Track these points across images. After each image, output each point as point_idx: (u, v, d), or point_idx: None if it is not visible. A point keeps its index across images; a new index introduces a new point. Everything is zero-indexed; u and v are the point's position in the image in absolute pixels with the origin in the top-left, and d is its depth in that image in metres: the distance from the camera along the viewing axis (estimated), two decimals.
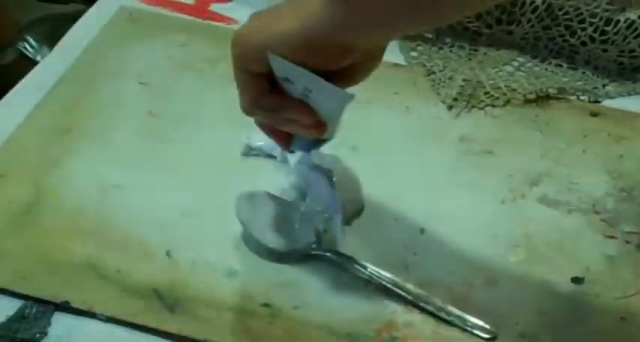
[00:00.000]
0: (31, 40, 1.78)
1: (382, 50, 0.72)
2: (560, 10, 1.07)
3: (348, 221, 0.90)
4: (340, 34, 0.64)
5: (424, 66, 1.10)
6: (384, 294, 0.84)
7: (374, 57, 0.72)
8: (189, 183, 0.95)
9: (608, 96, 1.07)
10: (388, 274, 0.84)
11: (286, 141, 0.79)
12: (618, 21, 1.05)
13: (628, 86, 1.08)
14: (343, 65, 0.68)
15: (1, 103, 1.05)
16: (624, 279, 0.86)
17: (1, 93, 1.07)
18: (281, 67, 0.68)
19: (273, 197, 0.90)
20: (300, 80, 0.69)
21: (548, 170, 0.97)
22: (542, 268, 0.87)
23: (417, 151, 0.98)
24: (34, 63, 1.15)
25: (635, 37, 1.06)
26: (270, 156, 0.97)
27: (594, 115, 1.04)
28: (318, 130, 0.74)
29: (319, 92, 0.69)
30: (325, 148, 0.90)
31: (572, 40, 1.09)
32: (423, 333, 0.81)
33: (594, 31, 1.07)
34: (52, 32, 1.78)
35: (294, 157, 0.93)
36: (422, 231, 0.90)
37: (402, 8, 0.61)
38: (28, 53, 1.75)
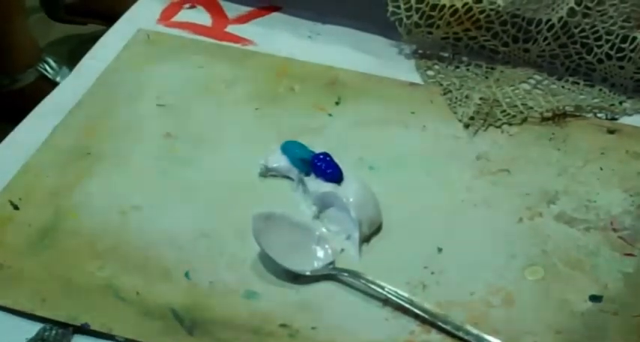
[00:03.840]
0: (51, 62, 1.79)
1: None
2: (576, 27, 1.07)
3: (365, 241, 0.90)
4: None
5: (441, 85, 1.10)
6: (401, 314, 0.84)
7: None
8: (208, 204, 0.95)
9: (626, 113, 1.06)
10: (406, 294, 0.84)
11: None
12: (635, 38, 1.05)
13: None
14: None
15: (20, 126, 1.06)
16: None
17: (22, 114, 1.08)
18: None
19: (290, 218, 0.90)
20: None
21: (566, 188, 0.96)
22: (560, 286, 0.86)
23: (434, 170, 0.98)
24: (54, 84, 1.16)
25: None
26: (287, 177, 0.97)
27: (611, 132, 1.03)
28: None
29: None
30: (343, 168, 0.90)
31: (589, 58, 1.09)
32: None
33: (611, 49, 1.07)
34: (72, 53, 1.81)
35: (310, 178, 0.93)
36: (439, 250, 0.90)
37: None
38: (47, 74, 1.77)
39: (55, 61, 1.81)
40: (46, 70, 1.80)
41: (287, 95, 1.09)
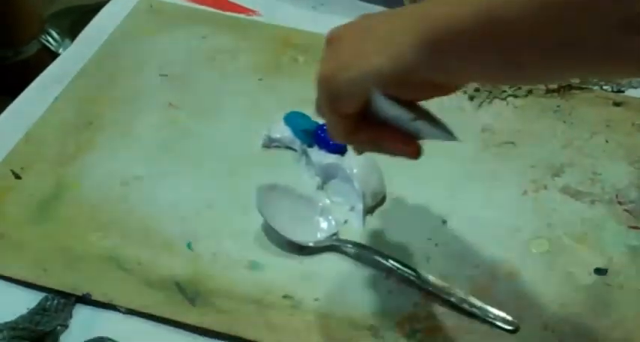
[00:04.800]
0: (54, 33, 1.78)
1: None
2: None
3: (369, 212, 0.90)
4: (434, 77, 0.60)
5: None
6: (405, 286, 0.83)
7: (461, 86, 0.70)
8: (210, 175, 0.95)
9: (631, 85, 1.05)
10: (410, 266, 0.83)
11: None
12: None
13: None
14: (435, 97, 0.66)
15: (22, 97, 1.06)
16: None
17: (25, 86, 1.07)
18: (383, 107, 0.65)
19: (294, 189, 0.90)
20: (400, 116, 0.66)
21: (571, 160, 0.96)
22: (565, 259, 0.86)
23: (438, 141, 0.97)
24: (57, 56, 1.15)
25: None
26: (290, 148, 0.96)
27: (617, 104, 1.03)
28: (417, 154, 0.70)
29: (420, 130, 0.67)
30: None
31: None
32: (445, 325, 0.80)
33: None
34: (74, 25, 1.79)
35: (314, 149, 0.93)
36: (444, 222, 0.89)
37: (498, 64, 0.56)
38: (50, 46, 1.76)
39: (57, 33, 1.81)
40: (48, 42, 1.79)
41: (291, 66, 1.08)
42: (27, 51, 1.76)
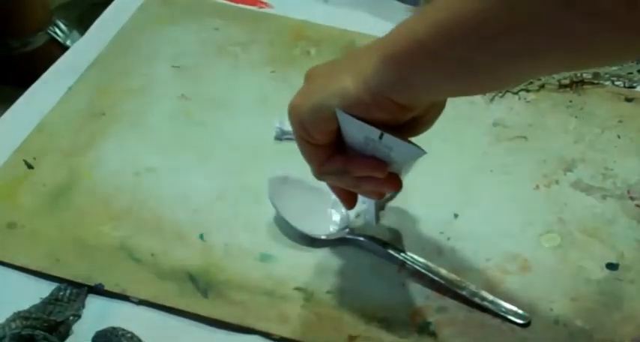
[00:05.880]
0: (61, 25, 1.77)
1: (445, 101, 0.71)
2: None
3: (381, 206, 0.90)
4: (398, 96, 0.62)
5: None
6: (417, 279, 0.83)
7: (438, 107, 0.71)
8: (223, 166, 0.95)
9: None
10: (422, 259, 0.84)
11: (350, 201, 0.79)
12: None
13: None
14: (405, 119, 0.66)
15: (34, 87, 1.06)
16: None
17: (32, 77, 1.07)
18: (347, 124, 0.66)
19: (306, 181, 0.89)
20: (368, 135, 0.67)
21: (583, 156, 0.96)
22: (577, 253, 0.86)
23: (450, 135, 0.98)
24: (65, 47, 1.15)
25: None
26: None
27: (629, 100, 1.03)
28: (393, 185, 0.72)
29: (389, 148, 0.68)
30: None
31: None
32: (457, 318, 0.80)
33: None
34: (82, 16, 1.79)
35: None
36: (455, 216, 0.89)
37: (454, 73, 0.58)
38: (58, 38, 1.76)
39: (65, 25, 1.80)
40: (56, 33, 1.78)
41: (303, 58, 1.08)
42: (34, 42, 1.75)
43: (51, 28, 1.76)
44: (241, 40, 1.11)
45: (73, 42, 1.50)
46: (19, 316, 0.78)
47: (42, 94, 1.04)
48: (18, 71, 1.56)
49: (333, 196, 0.88)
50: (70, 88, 1.04)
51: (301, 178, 0.89)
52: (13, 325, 0.77)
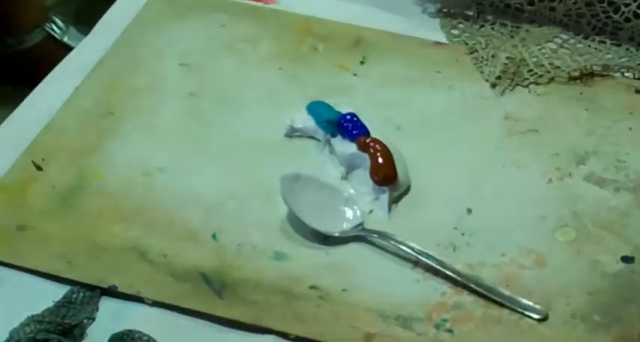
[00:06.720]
0: (58, 21, 1.77)
1: None
2: None
3: (394, 202, 0.90)
4: None
5: (466, 44, 1.09)
6: (432, 275, 0.83)
7: None
8: (233, 165, 0.94)
9: None
10: (436, 255, 0.83)
11: None
12: None
13: None
14: None
15: (40, 87, 1.05)
16: None
17: (29, 75, 1.06)
18: None
19: (318, 179, 0.89)
20: None
21: (595, 148, 0.95)
22: (592, 247, 0.85)
23: (461, 130, 0.97)
24: (62, 44, 1.14)
25: None
26: (313, 137, 0.96)
27: (639, 92, 1.02)
28: None
29: None
30: (370, 129, 0.89)
31: (616, 17, 1.07)
32: (474, 315, 0.80)
33: (638, 7, 1.05)
34: (79, 12, 1.78)
35: (337, 139, 0.92)
36: (469, 211, 0.89)
37: None
38: (55, 34, 1.75)
39: (62, 21, 1.79)
40: (53, 30, 1.77)
41: (311, 54, 1.08)
42: (31, 39, 1.74)
43: (47, 24, 1.75)
44: (248, 36, 1.10)
45: (70, 39, 1.50)
46: (32, 320, 0.77)
47: (48, 95, 1.03)
48: (15, 69, 1.56)
49: (346, 194, 0.88)
50: (76, 89, 1.03)
51: (313, 176, 0.89)
52: (27, 330, 0.76)
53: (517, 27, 1.11)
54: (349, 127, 0.91)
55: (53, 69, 1.07)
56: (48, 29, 1.75)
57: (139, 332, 0.77)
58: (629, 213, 0.89)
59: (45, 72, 1.07)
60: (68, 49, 1.18)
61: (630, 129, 0.97)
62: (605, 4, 1.07)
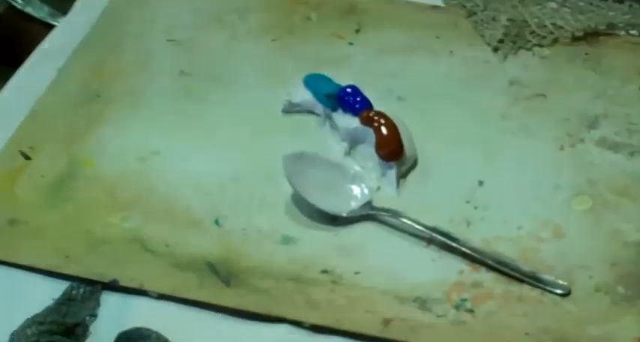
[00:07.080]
0: None
1: None
2: None
3: (402, 177, 0.86)
4: None
5: (464, 7, 1.05)
6: (447, 253, 0.80)
7: None
8: (231, 145, 0.90)
9: None
10: (450, 232, 0.80)
11: None
12: None
13: None
14: None
15: (21, 70, 1.01)
16: None
17: None
18: None
19: (322, 157, 0.85)
20: None
21: (605, 111, 0.92)
22: (610, 215, 0.83)
23: (466, 97, 0.94)
24: (24, 15, 1.10)
25: None
26: (312, 112, 0.92)
27: None
28: None
29: None
30: (371, 101, 0.86)
31: None
32: (494, 292, 0.77)
33: None
34: None
35: (338, 113, 0.89)
36: (480, 183, 0.86)
37: None
38: (16, 4, 1.70)
39: None
40: (14, 0, 1.73)
41: (304, 24, 1.04)
42: None
43: None
44: (237, 7, 1.06)
45: (33, 9, 1.45)
46: (33, 321, 0.74)
47: (30, 79, 0.99)
48: None
49: (353, 171, 0.84)
50: (59, 70, 0.99)
51: (317, 154, 0.85)
52: (29, 332, 0.73)
53: None
54: (350, 100, 0.88)
55: (20, 42, 1.03)
56: None
57: (148, 330, 0.73)
58: None
59: (11, 44, 1.02)
60: (31, 19, 1.15)
61: None
62: None
